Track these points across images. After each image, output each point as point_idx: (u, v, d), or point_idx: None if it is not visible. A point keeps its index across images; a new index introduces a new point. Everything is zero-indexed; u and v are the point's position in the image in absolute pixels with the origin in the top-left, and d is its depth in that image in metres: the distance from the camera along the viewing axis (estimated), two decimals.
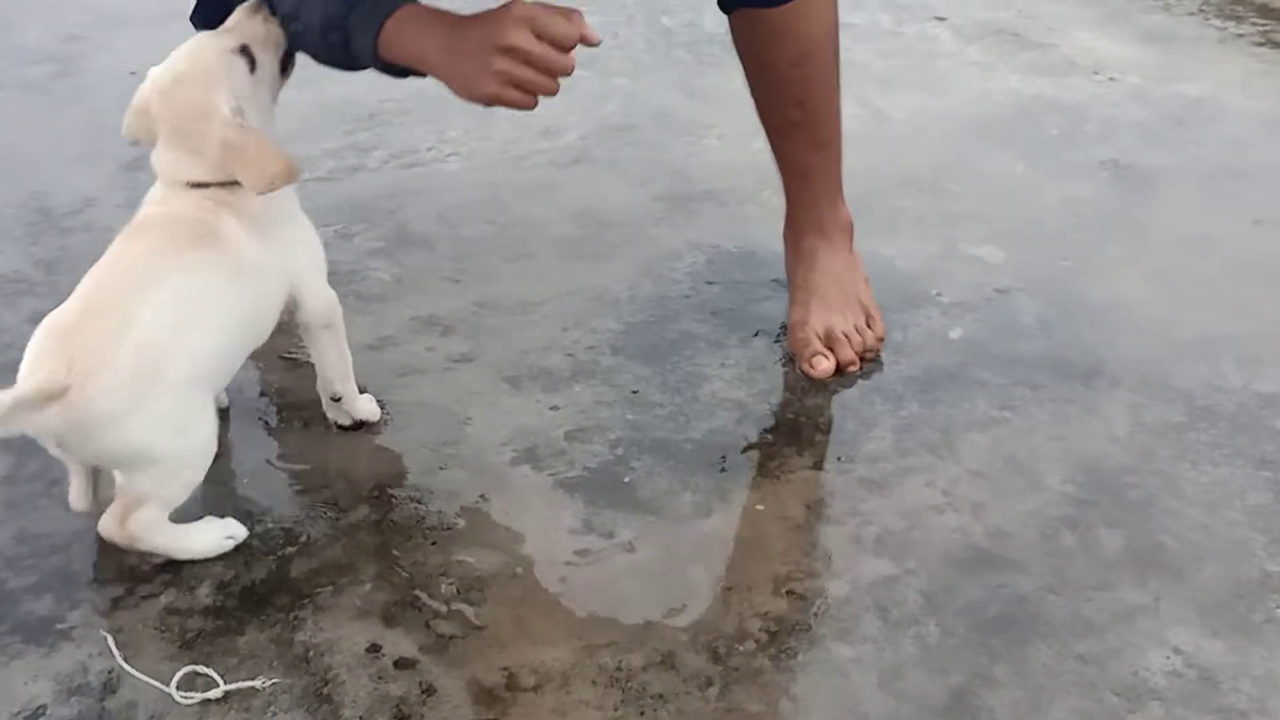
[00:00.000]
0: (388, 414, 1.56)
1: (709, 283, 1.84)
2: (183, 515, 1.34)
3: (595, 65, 2.57)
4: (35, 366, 1.22)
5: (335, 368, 1.49)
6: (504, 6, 1.34)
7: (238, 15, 1.42)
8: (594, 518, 1.41)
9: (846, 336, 1.64)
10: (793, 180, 1.72)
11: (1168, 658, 1.24)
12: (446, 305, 1.79)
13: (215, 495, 1.43)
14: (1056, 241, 1.94)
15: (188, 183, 1.37)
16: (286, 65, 1.46)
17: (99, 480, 1.36)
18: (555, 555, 1.36)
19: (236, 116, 1.35)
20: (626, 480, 1.46)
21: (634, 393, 1.61)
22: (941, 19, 2.76)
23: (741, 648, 1.24)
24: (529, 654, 1.24)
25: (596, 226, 2.00)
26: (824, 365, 1.62)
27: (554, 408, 1.58)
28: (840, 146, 1.70)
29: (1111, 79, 2.48)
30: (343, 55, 1.43)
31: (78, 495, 1.36)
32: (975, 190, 2.09)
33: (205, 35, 1.41)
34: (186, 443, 1.30)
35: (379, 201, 2.05)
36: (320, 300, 1.46)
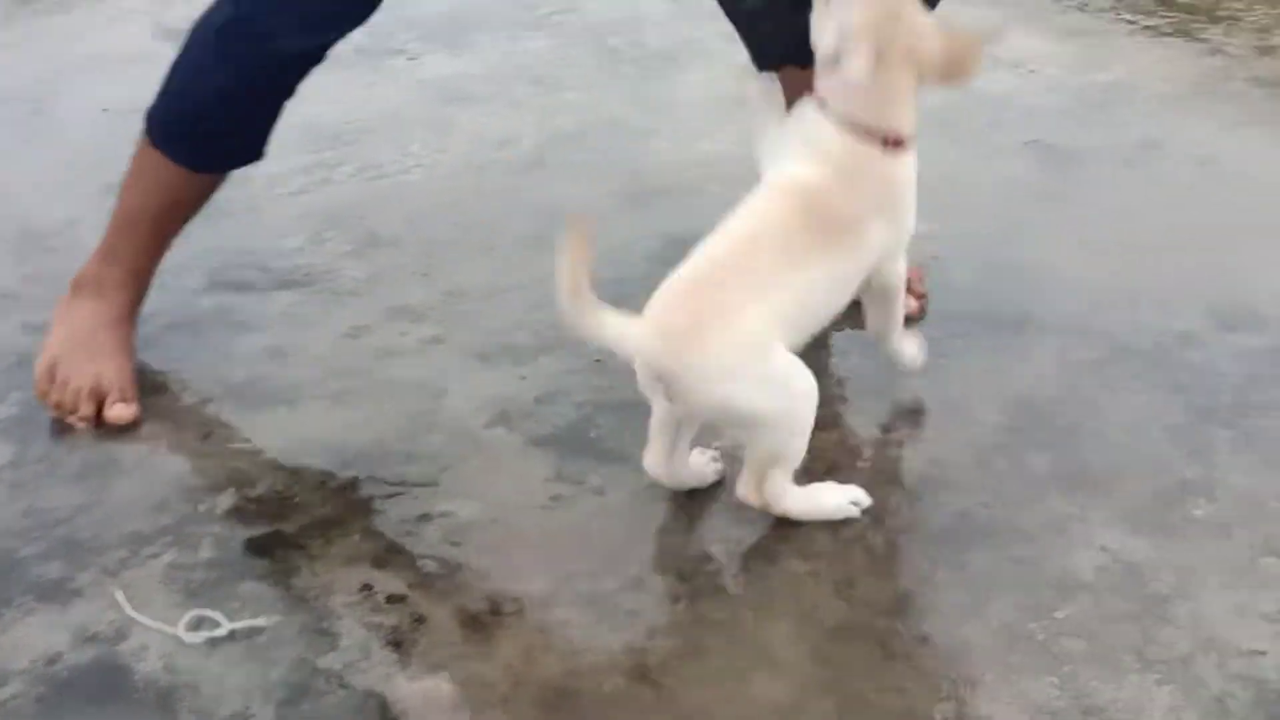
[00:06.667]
0: (364, 393, 1.67)
1: (663, 264, 1.96)
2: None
3: (545, 83, 2.71)
4: (662, 308, 1.32)
5: (886, 323, 1.56)
6: None
7: None
8: (565, 468, 1.52)
9: None
10: None
11: (1096, 555, 1.36)
12: (418, 296, 1.90)
13: (209, 468, 1.52)
14: (986, 215, 2.08)
15: (853, 125, 1.42)
16: None
17: (675, 451, 1.42)
18: (531, 501, 1.47)
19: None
20: (593, 435, 1.57)
21: (597, 361, 1.72)
22: None
23: (706, 568, 1.35)
24: (511, 585, 1.34)
25: (557, 222, 2.11)
26: None
27: (522, 377, 1.69)
28: None
29: (1032, 71, 2.63)
30: None
31: (654, 460, 1.43)
32: None
33: None
34: (794, 404, 1.34)
35: (348, 210, 2.16)
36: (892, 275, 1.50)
